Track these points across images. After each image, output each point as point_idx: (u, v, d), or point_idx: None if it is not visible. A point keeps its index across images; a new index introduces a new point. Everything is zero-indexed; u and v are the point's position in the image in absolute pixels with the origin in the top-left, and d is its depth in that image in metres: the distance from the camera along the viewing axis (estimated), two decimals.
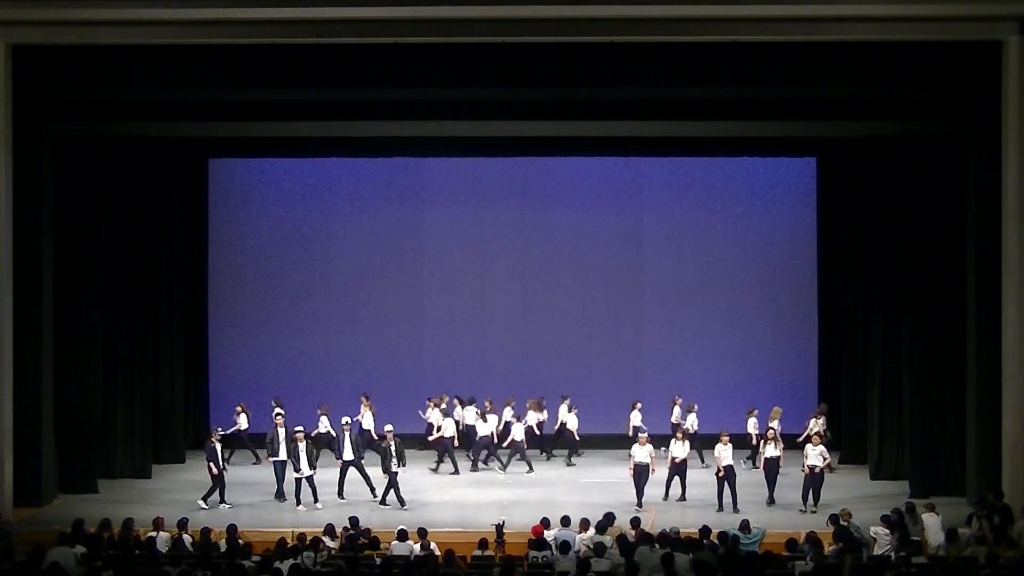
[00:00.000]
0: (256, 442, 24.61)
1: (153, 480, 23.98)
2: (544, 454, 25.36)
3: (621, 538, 16.86)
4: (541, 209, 26.79)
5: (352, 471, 22.05)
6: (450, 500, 22.04)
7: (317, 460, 22.05)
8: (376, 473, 21.94)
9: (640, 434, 21.83)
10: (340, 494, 21.94)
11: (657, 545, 16.63)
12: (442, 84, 21.02)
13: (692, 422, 24.45)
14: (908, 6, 19.67)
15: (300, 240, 26.85)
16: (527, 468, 24.18)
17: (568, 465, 24.90)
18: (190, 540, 17.77)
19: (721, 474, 21.25)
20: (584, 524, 17.84)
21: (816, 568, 15.52)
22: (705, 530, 17.60)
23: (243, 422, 25.06)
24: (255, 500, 22.07)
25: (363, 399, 24.88)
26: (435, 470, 23.85)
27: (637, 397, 25.18)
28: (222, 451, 21.98)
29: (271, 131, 24.44)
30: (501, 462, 24.41)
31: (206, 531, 17.80)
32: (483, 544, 17.42)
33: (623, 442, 23.82)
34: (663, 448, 22.62)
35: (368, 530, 18.18)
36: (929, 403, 22.55)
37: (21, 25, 20.18)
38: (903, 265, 23.47)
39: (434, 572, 15.84)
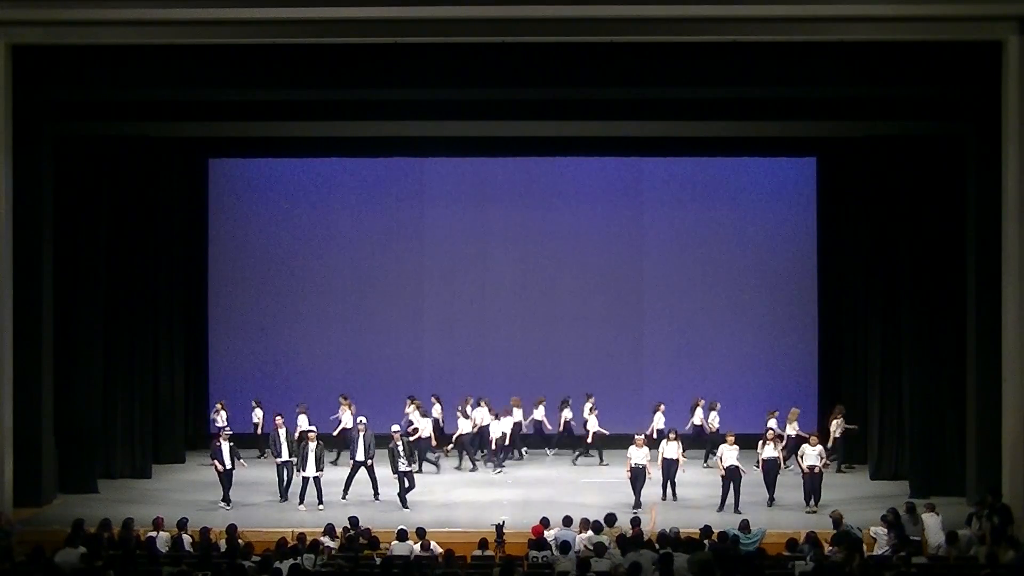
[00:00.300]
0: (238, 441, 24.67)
1: (153, 480, 23.99)
2: (575, 454, 25.37)
3: (621, 538, 16.85)
4: (541, 209, 26.80)
5: (362, 472, 22.03)
6: (450, 500, 22.04)
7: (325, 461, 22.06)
8: (382, 473, 21.98)
9: (637, 436, 21.77)
10: (345, 494, 21.94)
11: (657, 546, 16.65)
12: (442, 84, 21.02)
13: (714, 420, 24.48)
14: (908, 6, 19.66)
15: (300, 240, 26.86)
16: (499, 468, 24.26)
17: (574, 463, 24.96)
18: (190, 540, 17.76)
19: (724, 474, 21.24)
20: (585, 524, 17.84)
21: (816, 568, 15.51)
22: (705, 530, 17.59)
23: (221, 420, 25.01)
24: (255, 500, 22.06)
25: (341, 399, 24.90)
26: (418, 470, 23.56)
27: (660, 399, 25.14)
28: (231, 450, 21.87)
29: (271, 131, 24.45)
30: (495, 464, 24.47)
31: (205, 531, 17.79)
32: (483, 544, 17.42)
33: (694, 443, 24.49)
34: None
35: (368, 530, 18.17)
36: (929, 403, 22.55)
37: (21, 25, 20.18)
38: (903, 265, 23.47)
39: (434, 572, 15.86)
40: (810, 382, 26.41)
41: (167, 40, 20.24)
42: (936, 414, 22.47)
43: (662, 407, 24.87)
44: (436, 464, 24.08)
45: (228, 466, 21.65)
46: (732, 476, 21.15)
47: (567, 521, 17.94)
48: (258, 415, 25.17)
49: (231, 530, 17.68)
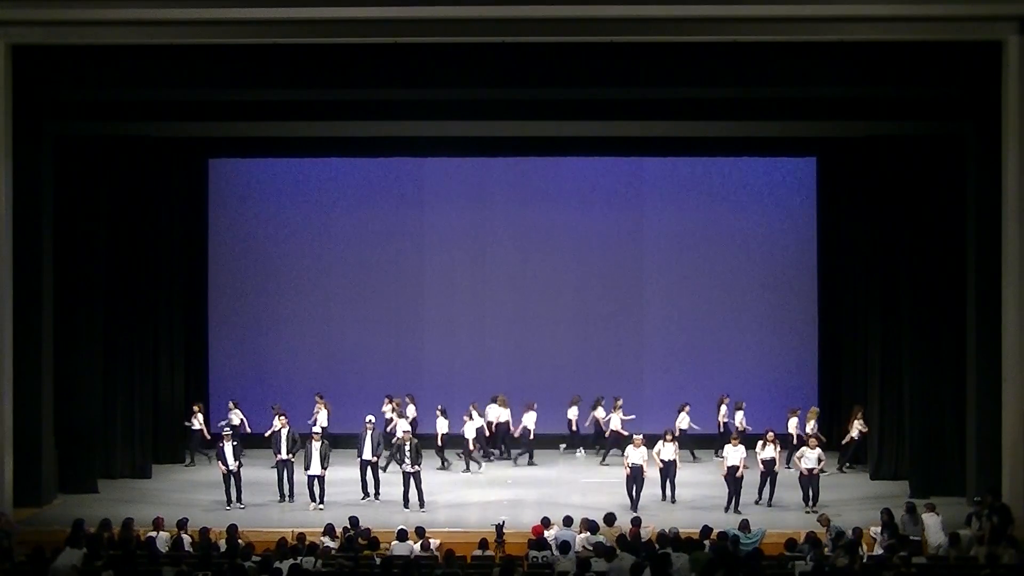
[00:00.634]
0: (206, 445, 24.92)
1: (153, 480, 23.99)
2: (597, 452, 25.33)
3: (621, 538, 16.85)
4: (541, 209, 26.79)
5: (369, 470, 22.06)
6: (450, 500, 22.04)
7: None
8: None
9: (635, 436, 21.75)
10: (366, 494, 21.95)
11: (657, 546, 16.66)
12: (442, 84, 21.02)
13: (740, 420, 24.49)
14: (908, 6, 19.67)
15: (300, 240, 26.85)
16: (478, 466, 24.24)
17: (602, 464, 24.86)
18: (190, 540, 17.76)
19: (726, 474, 21.24)
20: (585, 524, 17.84)
21: (816, 568, 15.52)
22: (705, 530, 17.60)
23: (197, 422, 25.03)
24: (255, 500, 22.04)
25: (317, 399, 24.93)
26: (384, 468, 23.38)
27: (686, 400, 25.10)
28: (235, 450, 21.86)
29: (271, 131, 24.44)
30: (479, 462, 24.43)
31: (205, 531, 17.80)
32: (483, 544, 17.43)
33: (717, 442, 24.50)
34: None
35: (368, 530, 18.18)
36: (929, 403, 22.54)
37: (21, 25, 20.19)
38: (903, 265, 23.47)
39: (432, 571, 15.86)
40: (810, 382, 26.40)
41: (167, 40, 20.25)
42: (936, 414, 22.46)
43: (687, 407, 24.86)
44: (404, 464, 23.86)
45: (231, 467, 21.65)
46: (732, 476, 21.16)
47: (567, 521, 17.94)
48: (237, 416, 25.12)
49: (231, 530, 17.69)
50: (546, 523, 18.05)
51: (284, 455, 22.05)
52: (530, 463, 24.83)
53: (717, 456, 24.05)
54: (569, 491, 22.63)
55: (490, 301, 26.86)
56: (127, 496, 22.51)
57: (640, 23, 19.83)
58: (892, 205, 23.80)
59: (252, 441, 24.53)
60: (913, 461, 22.65)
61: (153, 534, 17.89)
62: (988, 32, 19.96)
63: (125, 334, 24.31)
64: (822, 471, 21.59)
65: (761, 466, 21.62)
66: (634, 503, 21.08)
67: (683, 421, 24.72)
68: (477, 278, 26.91)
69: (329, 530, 17.99)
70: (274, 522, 20.49)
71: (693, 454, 24.77)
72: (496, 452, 25.37)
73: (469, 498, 22.25)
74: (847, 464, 24.30)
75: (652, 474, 21.59)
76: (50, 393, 22.16)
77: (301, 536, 17.79)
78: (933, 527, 18.20)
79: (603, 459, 24.97)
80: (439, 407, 24.58)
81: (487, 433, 25.19)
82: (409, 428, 23.82)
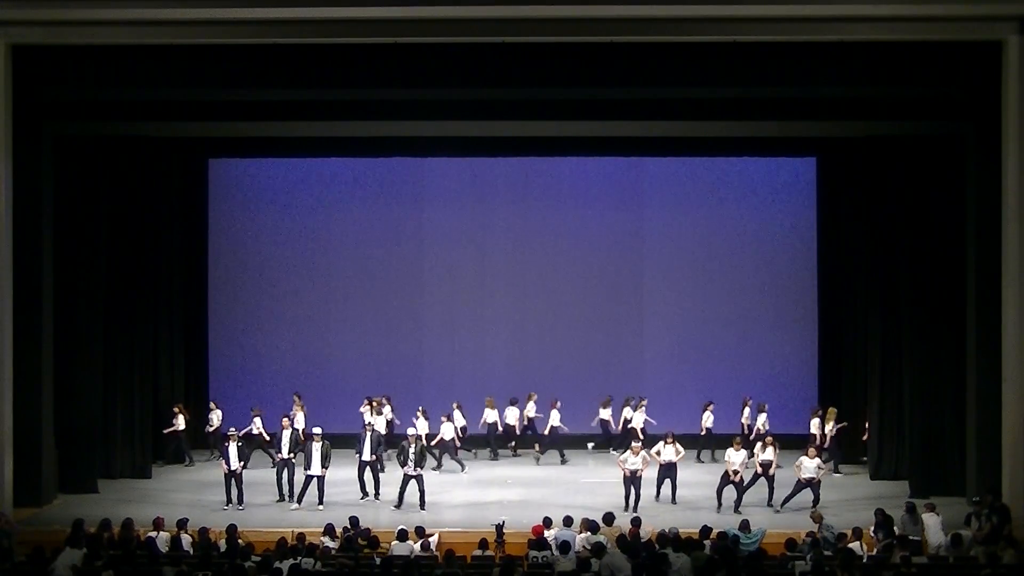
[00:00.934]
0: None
1: (153, 480, 23.99)
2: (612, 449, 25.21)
3: (621, 538, 16.85)
4: (541, 209, 26.79)
5: (368, 470, 22.07)
6: (450, 500, 22.04)
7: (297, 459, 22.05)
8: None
9: (634, 444, 21.70)
10: (363, 492, 21.96)
11: (657, 546, 16.66)
12: (442, 84, 21.01)
13: (763, 421, 24.51)
14: (908, 6, 19.68)
15: (300, 240, 26.85)
16: (460, 467, 24.23)
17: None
18: (189, 540, 17.76)
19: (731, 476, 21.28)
20: (585, 524, 17.84)
21: (815, 567, 15.53)
22: (705, 530, 17.60)
23: (180, 423, 25.03)
24: (255, 500, 22.02)
25: (295, 399, 24.96)
26: (382, 469, 23.37)
27: (710, 398, 25.13)
28: (240, 452, 21.85)
29: (271, 131, 24.43)
30: (461, 463, 24.40)
31: (205, 531, 17.80)
32: (483, 544, 17.43)
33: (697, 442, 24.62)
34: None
35: (368, 530, 18.19)
36: (929, 403, 22.54)
37: (21, 25, 20.20)
38: (903, 265, 23.46)
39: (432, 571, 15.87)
40: (810, 382, 26.40)
41: (167, 40, 20.25)
42: (936, 414, 22.46)
43: (711, 406, 24.89)
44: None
45: (233, 467, 21.65)
46: (733, 476, 21.19)
47: (567, 521, 17.94)
48: (217, 416, 25.11)
49: (231, 530, 17.68)
50: (547, 523, 18.05)
51: (285, 455, 22.05)
52: (562, 461, 24.84)
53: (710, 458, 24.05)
54: (569, 491, 22.63)
55: (490, 301, 26.86)
56: (127, 496, 22.51)
57: (640, 23, 19.84)
58: (892, 205, 23.79)
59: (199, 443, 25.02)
60: (913, 461, 22.65)
61: (153, 534, 17.89)
62: (988, 32, 19.96)
63: (125, 334, 24.30)
64: (824, 474, 21.58)
65: (759, 468, 21.61)
66: (628, 505, 20.99)
67: (708, 420, 24.71)
68: (477, 278, 26.90)
69: (329, 530, 17.98)
70: (274, 522, 20.47)
71: (714, 455, 24.68)
72: (474, 453, 25.38)
73: (469, 498, 22.25)
74: (841, 464, 24.27)
75: (649, 475, 21.57)
76: (50, 393, 22.16)
77: (301, 536, 17.78)
78: (933, 527, 18.20)
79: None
80: (420, 408, 24.57)
81: (499, 429, 25.32)
82: (416, 431, 23.89)
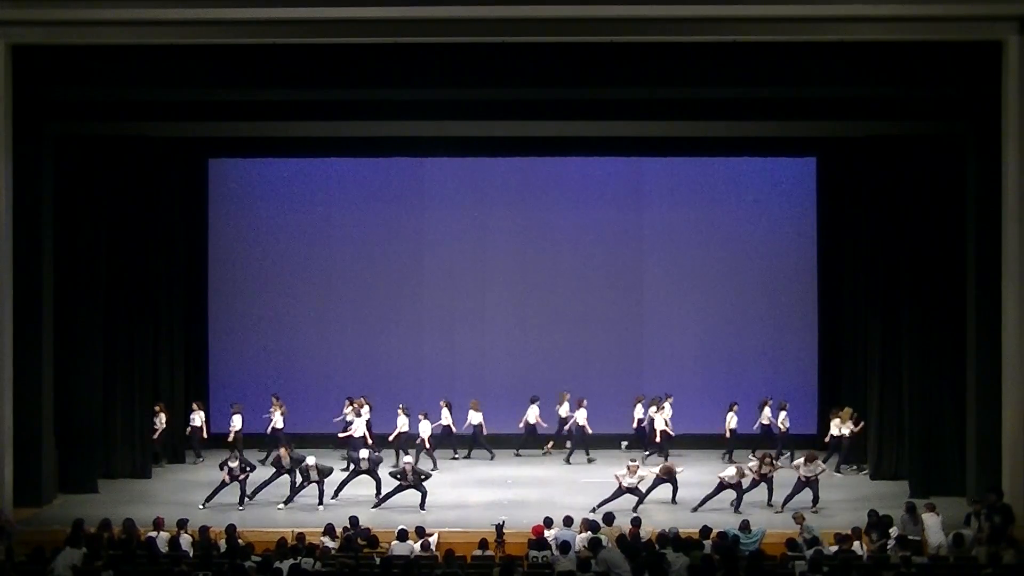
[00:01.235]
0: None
1: (153, 480, 23.99)
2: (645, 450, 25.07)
3: (621, 538, 16.86)
4: (541, 209, 26.78)
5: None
6: (450, 500, 22.03)
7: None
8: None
9: (630, 463, 21.54)
10: (336, 494, 21.92)
11: (657, 546, 16.68)
12: (442, 84, 21.02)
13: (783, 420, 24.46)
14: (908, 6, 19.68)
15: (300, 240, 26.84)
16: (431, 465, 24.08)
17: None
18: (189, 540, 17.76)
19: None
20: (585, 524, 17.84)
21: (812, 565, 15.55)
22: (705, 530, 17.60)
23: (159, 423, 25.01)
24: (255, 500, 22.00)
25: (273, 399, 24.97)
26: (346, 469, 23.14)
27: (735, 399, 25.05)
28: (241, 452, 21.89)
29: (271, 131, 24.44)
30: (434, 461, 24.34)
31: (205, 531, 17.80)
32: (483, 544, 17.43)
33: (715, 443, 24.68)
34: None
35: (367, 530, 18.20)
36: (929, 403, 22.54)
37: (21, 25, 20.20)
38: (903, 265, 23.47)
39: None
40: (810, 382, 26.39)
41: (167, 40, 20.26)
42: (936, 414, 22.46)
43: (735, 407, 24.82)
44: (361, 462, 23.39)
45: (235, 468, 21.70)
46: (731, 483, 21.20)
47: (568, 521, 17.95)
48: (200, 417, 25.10)
49: (231, 530, 17.70)
50: (548, 523, 18.06)
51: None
52: (588, 460, 24.82)
53: (782, 454, 23.90)
54: (569, 491, 22.62)
55: (490, 301, 26.84)
56: (127, 496, 22.50)
57: (640, 23, 19.85)
58: (892, 205, 23.80)
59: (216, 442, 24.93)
60: (913, 461, 22.64)
61: (153, 534, 17.89)
62: (988, 32, 19.96)
63: (125, 334, 24.31)
64: (823, 472, 21.58)
65: (756, 477, 21.56)
66: (601, 505, 20.68)
67: (732, 421, 24.67)
68: (477, 278, 26.89)
69: (329, 530, 17.99)
70: (274, 522, 20.48)
71: (731, 456, 24.63)
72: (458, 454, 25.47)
73: (469, 498, 22.25)
74: (843, 464, 24.28)
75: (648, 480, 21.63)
76: (50, 393, 22.16)
77: (301, 536, 17.79)
78: (933, 527, 18.20)
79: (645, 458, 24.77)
80: (400, 406, 24.56)
81: (483, 431, 25.33)
82: (364, 430, 23.98)
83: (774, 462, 21.58)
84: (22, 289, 21.15)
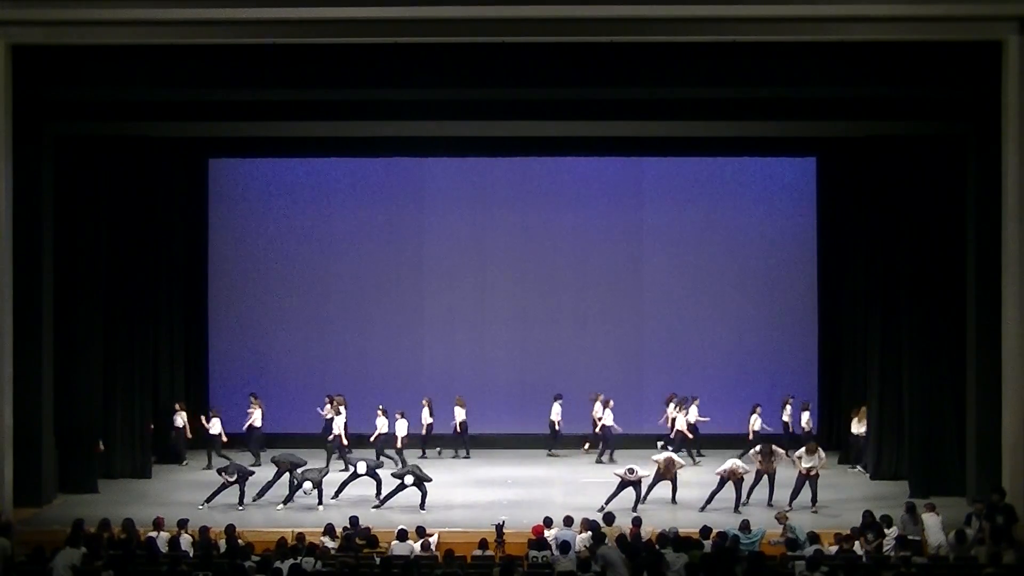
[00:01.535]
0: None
1: (153, 480, 23.99)
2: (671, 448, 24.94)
3: (621, 538, 16.86)
4: (541, 209, 26.79)
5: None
6: (450, 500, 22.03)
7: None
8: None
9: (629, 474, 21.57)
10: (336, 495, 21.95)
11: (657, 546, 16.67)
12: (442, 84, 21.01)
13: (806, 420, 24.42)
14: (908, 6, 19.66)
15: (300, 240, 26.85)
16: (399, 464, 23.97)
17: (695, 463, 24.67)
18: (189, 540, 17.76)
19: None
20: (585, 524, 17.84)
21: (811, 563, 15.55)
22: (705, 530, 17.60)
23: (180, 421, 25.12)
24: (255, 500, 22.02)
25: (252, 398, 24.98)
26: (345, 470, 23.23)
27: (756, 400, 24.99)
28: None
29: (271, 131, 24.43)
30: (398, 459, 24.29)
31: (205, 531, 17.79)
32: (483, 544, 17.43)
33: (715, 443, 24.75)
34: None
35: (367, 529, 18.20)
36: (929, 403, 22.54)
37: (21, 25, 20.17)
38: (903, 265, 23.47)
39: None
40: (810, 382, 26.40)
41: (167, 40, 20.23)
42: (936, 414, 22.46)
43: (759, 408, 24.76)
44: (355, 464, 23.14)
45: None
46: (732, 476, 21.17)
47: (568, 521, 17.95)
48: (182, 418, 25.10)
49: (231, 530, 17.69)
50: (547, 523, 18.06)
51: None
52: (611, 460, 24.76)
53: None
54: (569, 491, 22.62)
55: (490, 301, 26.86)
56: (127, 496, 22.50)
57: (640, 23, 19.82)
58: (892, 205, 23.80)
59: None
60: (913, 461, 22.65)
61: (153, 534, 17.89)
62: (988, 32, 19.94)
63: (125, 334, 24.31)
64: (823, 468, 21.59)
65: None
66: (606, 503, 20.80)
67: (756, 423, 24.60)
68: (477, 278, 26.90)
69: (329, 530, 17.99)
70: (274, 522, 20.48)
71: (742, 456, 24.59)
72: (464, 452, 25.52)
73: (469, 498, 22.25)
74: (849, 464, 24.27)
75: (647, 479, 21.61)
76: (50, 393, 22.15)
77: (301, 536, 17.79)
78: (933, 527, 18.19)
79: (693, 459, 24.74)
80: (379, 407, 24.57)
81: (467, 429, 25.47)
82: (342, 429, 24.02)
83: (772, 456, 21.54)
84: (22, 289, 21.13)
